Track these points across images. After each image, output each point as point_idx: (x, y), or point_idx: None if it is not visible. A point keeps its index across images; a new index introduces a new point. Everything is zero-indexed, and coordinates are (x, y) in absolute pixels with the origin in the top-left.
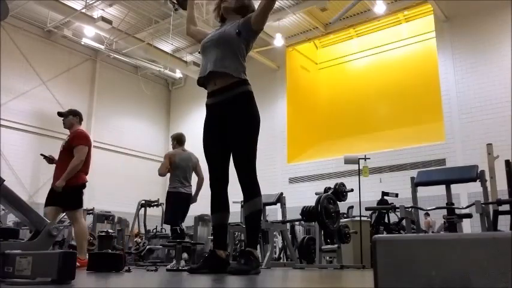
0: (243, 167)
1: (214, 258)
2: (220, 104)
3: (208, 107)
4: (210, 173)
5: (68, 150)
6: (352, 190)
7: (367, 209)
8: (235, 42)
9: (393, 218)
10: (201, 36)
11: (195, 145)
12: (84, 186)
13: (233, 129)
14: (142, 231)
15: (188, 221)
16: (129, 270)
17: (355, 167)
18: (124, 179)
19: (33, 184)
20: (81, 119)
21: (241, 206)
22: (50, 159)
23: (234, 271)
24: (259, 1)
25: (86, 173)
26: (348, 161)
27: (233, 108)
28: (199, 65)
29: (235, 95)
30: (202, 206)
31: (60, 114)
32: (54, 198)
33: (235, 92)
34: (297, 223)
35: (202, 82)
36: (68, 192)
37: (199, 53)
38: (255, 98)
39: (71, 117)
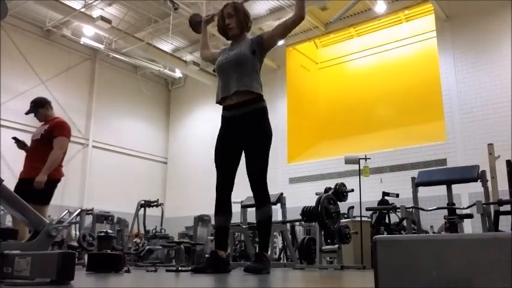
0: (256, 177)
1: (215, 258)
2: (236, 118)
3: (224, 119)
4: (218, 178)
5: (46, 140)
6: (352, 190)
7: (367, 209)
8: (251, 61)
9: (394, 218)
10: (215, 57)
11: (195, 143)
12: (59, 181)
13: (249, 143)
14: (142, 231)
15: (188, 222)
16: (128, 271)
17: (355, 167)
18: (123, 179)
19: None
20: (51, 105)
21: (241, 206)
22: (22, 144)
23: (251, 269)
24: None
25: (61, 167)
26: (348, 161)
27: (249, 123)
28: (199, 65)
29: (251, 110)
30: (201, 206)
31: (28, 112)
32: (23, 192)
33: (252, 107)
34: (297, 223)
35: (220, 99)
36: (42, 187)
37: (214, 71)
38: (267, 108)
39: (41, 110)
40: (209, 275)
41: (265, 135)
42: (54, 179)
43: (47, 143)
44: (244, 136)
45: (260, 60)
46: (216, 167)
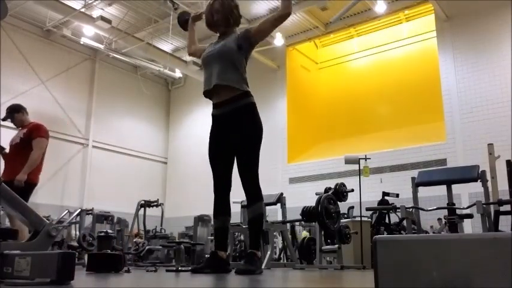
0: (247, 174)
1: (215, 258)
2: (225, 115)
3: (214, 117)
4: (214, 179)
5: (25, 143)
6: (352, 190)
7: (367, 209)
8: (235, 56)
9: (394, 218)
10: (201, 52)
11: (195, 143)
12: (35, 185)
13: (238, 139)
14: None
15: (188, 222)
16: (128, 271)
17: (355, 167)
18: (123, 179)
19: None
20: (26, 111)
21: (241, 206)
22: (0, 148)
23: (242, 271)
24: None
25: (40, 172)
26: (348, 161)
27: (238, 119)
28: (199, 65)
29: (239, 106)
30: (201, 206)
31: (4, 118)
32: None
33: (239, 103)
34: (297, 223)
35: (207, 94)
36: (20, 188)
37: (200, 68)
38: (256, 104)
39: (17, 115)
40: (209, 275)
41: (255, 131)
42: (31, 182)
43: (27, 146)
44: (234, 133)
45: (245, 55)
46: (211, 168)
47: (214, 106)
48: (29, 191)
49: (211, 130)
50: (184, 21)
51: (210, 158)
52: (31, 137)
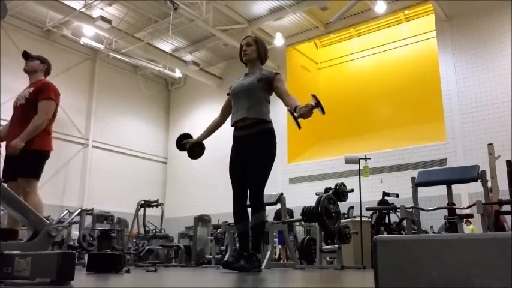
0: (254, 190)
1: (240, 257)
2: (244, 137)
3: (236, 138)
4: (233, 190)
5: (32, 104)
6: (352, 190)
7: (367, 209)
8: (259, 91)
9: (394, 218)
10: (229, 110)
11: None
12: (49, 154)
13: (254, 159)
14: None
15: (188, 222)
16: (128, 271)
17: (355, 167)
18: (123, 179)
19: None
20: (48, 71)
21: None
22: None
23: (239, 268)
24: None
25: (51, 138)
26: (348, 161)
27: (255, 142)
28: (199, 65)
29: (258, 131)
30: (201, 206)
31: (25, 55)
32: (12, 169)
33: (259, 128)
34: (297, 223)
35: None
36: (27, 157)
37: (228, 94)
38: (274, 129)
39: (37, 63)
40: (210, 275)
41: (267, 155)
42: (41, 150)
43: (32, 108)
44: (252, 153)
45: (269, 90)
46: (231, 181)
47: (237, 128)
48: (41, 160)
49: (232, 148)
50: (181, 146)
51: (230, 173)
52: (37, 98)
